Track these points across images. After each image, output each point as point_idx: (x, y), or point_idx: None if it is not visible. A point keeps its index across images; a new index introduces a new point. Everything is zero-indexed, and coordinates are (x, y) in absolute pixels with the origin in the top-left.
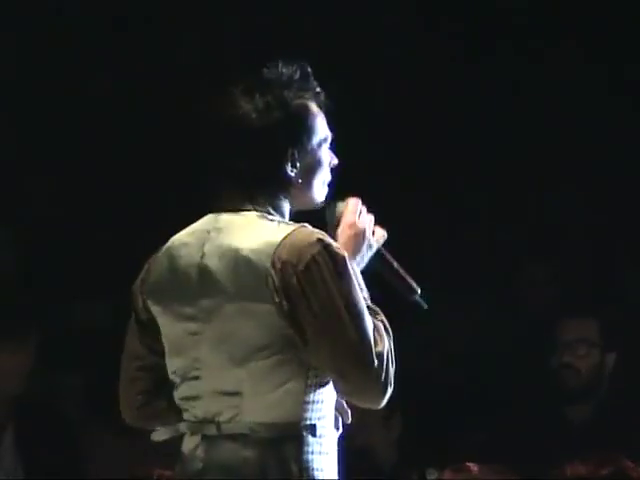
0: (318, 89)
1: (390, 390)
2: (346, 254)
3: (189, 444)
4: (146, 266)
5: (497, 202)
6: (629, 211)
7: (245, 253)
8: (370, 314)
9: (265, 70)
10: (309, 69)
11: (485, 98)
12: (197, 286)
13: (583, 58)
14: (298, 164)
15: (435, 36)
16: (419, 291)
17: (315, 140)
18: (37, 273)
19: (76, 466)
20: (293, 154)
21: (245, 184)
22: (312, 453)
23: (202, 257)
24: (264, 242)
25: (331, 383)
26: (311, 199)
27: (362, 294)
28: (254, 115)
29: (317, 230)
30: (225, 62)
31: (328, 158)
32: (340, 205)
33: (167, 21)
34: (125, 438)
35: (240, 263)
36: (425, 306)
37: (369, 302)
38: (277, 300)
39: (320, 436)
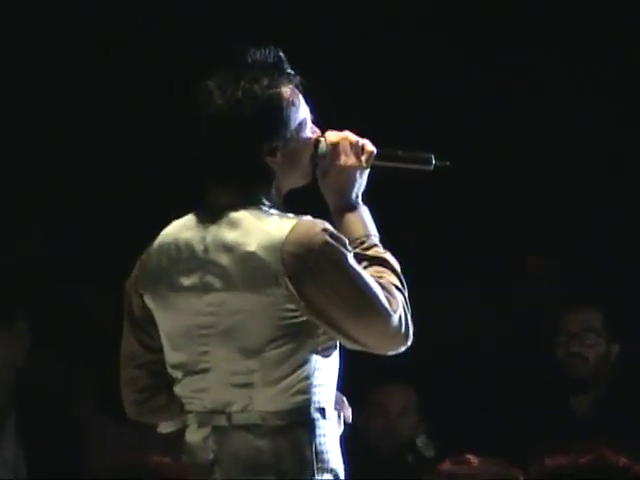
0: (291, 71)
1: (411, 335)
2: (344, 238)
3: (197, 435)
4: (138, 263)
5: (500, 195)
6: (630, 202)
7: (252, 249)
8: (379, 264)
9: (237, 63)
10: (281, 53)
11: (487, 92)
12: (202, 281)
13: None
14: (278, 153)
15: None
16: (432, 157)
17: (292, 126)
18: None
19: (78, 454)
20: (270, 145)
21: (230, 178)
22: (324, 436)
23: (206, 252)
24: (270, 237)
25: (335, 365)
26: (300, 179)
27: (371, 241)
28: (227, 111)
29: (318, 220)
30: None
31: (310, 141)
32: (322, 146)
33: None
34: (126, 425)
35: (248, 258)
36: (447, 163)
37: (379, 247)
38: (292, 293)
39: (329, 418)
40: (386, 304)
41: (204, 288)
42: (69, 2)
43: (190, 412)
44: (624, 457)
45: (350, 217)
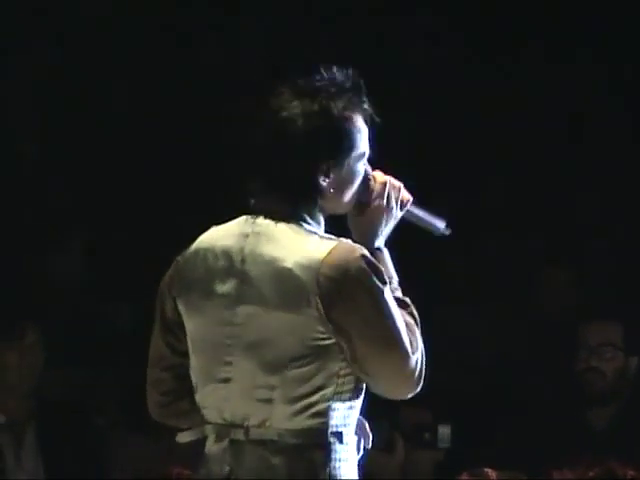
0: (367, 103)
1: (422, 382)
2: (382, 267)
3: (215, 447)
4: (174, 263)
5: (517, 206)
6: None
7: (289, 265)
8: (400, 306)
9: (317, 75)
10: (361, 81)
11: (499, 97)
12: (236, 291)
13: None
14: (332, 175)
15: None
16: (445, 226)
17: (353, 154)
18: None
19: (99, 466)
20: (328, 164)
21: (280, 188)
22: (339, 460)
23: (243, 263)
24: (308, 256)
25: (357, 390)
26: (340, 208)
27: (392, 285)
28: (299, 120)
29: (358, 245)
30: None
31: (362, 174)
32: (372, 183)
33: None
34: (147, 437)
35: (283, 274)
36: (449, 232)
37: (399, 291)
38: (322, 314)
39: (346, 443)
40: (407, 344)
41: (237, 299)
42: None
43: (209, 423)
44: (632, 470)
45: (376, 256)
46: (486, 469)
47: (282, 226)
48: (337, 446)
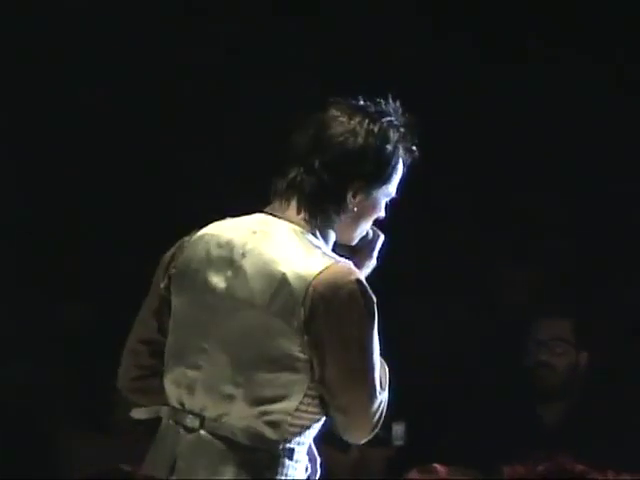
0: (415, 149)
1: (376, 430)
2: (374, 298)
3: (167, 431)
4: (180, 242)
5: (471, 204)
6: (601, 211)
7: (284, 270)
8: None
9: (383, 102)
10: (417, 125)
11: (465, 97)
12: (227, 283)
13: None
14: (358, 198)
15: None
16: None
17: (384, 188)
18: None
19: (48, 466)
20: (362, 187)
21: (305, 195)
22: (286, 475)
23: (242, 257)
24: (305, 267)
25: (319, 415)
26: (348, 237)
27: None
28: (354, 132)
29: (356, 270)
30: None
31: (380, 212)
32: (371, 235)
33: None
34: (105, 437)
35: (276, 278)
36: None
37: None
38: (301, 326)
39: (296, 461)
40: (377, 382)
41: (226, 290)
42: None
43: (167, 405)
44: (581, 465)
45: None
46: (435, 465)
47: (290, 232)
48: (286, 461)
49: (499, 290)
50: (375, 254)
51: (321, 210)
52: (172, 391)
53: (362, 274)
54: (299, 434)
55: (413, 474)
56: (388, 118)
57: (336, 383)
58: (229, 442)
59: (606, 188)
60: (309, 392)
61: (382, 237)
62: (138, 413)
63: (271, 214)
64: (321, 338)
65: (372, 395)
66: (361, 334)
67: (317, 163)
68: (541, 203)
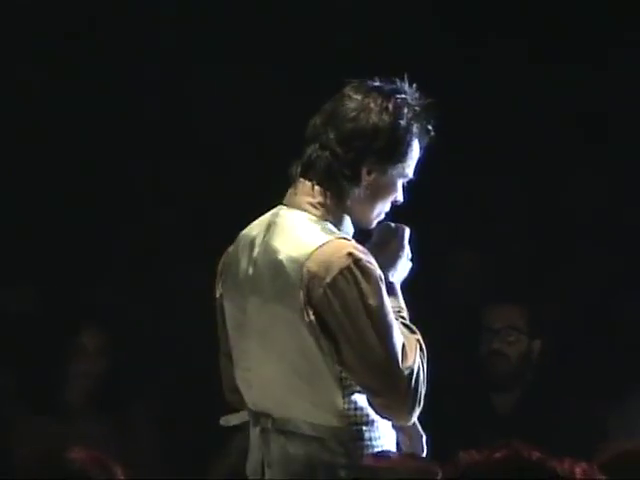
0: (431, 130)
1: (419, 407)
2: (378, 270)
3: (253, 433)
4: (226, 251)
5: (422, 189)
6: (554, 197)
7: (281, 257)
8: (412, 331)
9: (395, 82)
10: (435, 106)
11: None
12: (251, 279)
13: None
14: (373, 176)
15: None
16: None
17: (399, 167)
18: None
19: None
20: (375, 163)
21: (323, 168)
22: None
23: (260, 253)
24: (299, 249)
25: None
26: (365, 217)
27: (394, 312)
28: (368, 109)
29: (351, 243)
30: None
31: (396, 193)
32: (390, 228)
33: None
34: (51, 419)
35: (276, 266)
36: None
37: (406, 321)
38: (305, 312)
39: (371, 439)
40: (398, 353)
41: (249, 287)
42: None
43: (247, 409)
44: (538, 452)
45: (394, 286)
46: (388, 450)
47: (296, 216)
48: (357, 443)
49: (451, 276)
50: (406, 246)
51: (336, 185)
52: (244, 394)
53: (396, 271)
54: (361, 415)
55: (367, 460)
56: (402, 96)
57: (354, 364)
58: (296, 436)
59: (558, 172)
60: (344, 375)
61: (407, 229)
62: (227, 421)
63: (284, 204)
64: (327, 320)
65: (394, 368)
66: (367, 308)
67: (332, 138)
68: (492, 186)
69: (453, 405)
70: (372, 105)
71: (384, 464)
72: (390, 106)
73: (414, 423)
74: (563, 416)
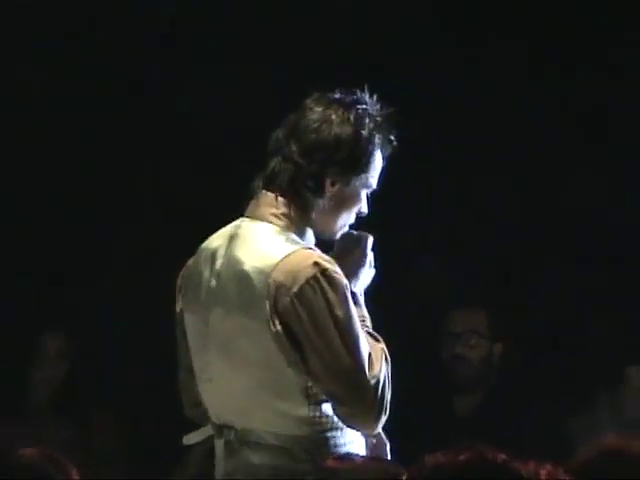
0: (394, 140)
1: (384, 416)
2: (344, 280)
3: (217, 446)
4: (186, 264)
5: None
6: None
7: (246, 268)
8: (375, 339)
9: (356, 94)
10: (396, 118)
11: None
12: (213, 292)
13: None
14: (336, 187)
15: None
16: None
17: (362, 177)
18: None
19: None
20: (339, 174)
21: (286, 181)
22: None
23: (222, 265)
24: (264, 259)
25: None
26: (329, 229)
27: (359, 321)
28: (329, 121)
29: (317, 253)
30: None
31: (361, 204)
32: (352, 236)
33: None
34: (21, 420)
35: (242, 277)
36: None
37: (370, 329)
38: (271, 322)
39: (335, 446)
40: (365, 362)
41: (213, 299)
42: None
43: (210, 422)
44: (503, 454)
45: (356, 296)
46: (351, 453)
47: (260, 228)
48: (323, 450)
49: (413, 280)
50: (368, 254)
51: (300, 197)
52: (207, 407)
53: (360, 280)
54: (326, 421)
55: (330, 462)
56: (363, 106)
57: (321, 373)
58: (261, 447)
59: (526, 174)
60: (310, 384)
61: (371, 237)
62: (188, 439)
63: (247, 216)
64: (293, 329)
65: (361, 377)
66: (334, 317)
67: (294, 150)
68: (454, 190)
69: (417, 409)
70: (333, 116)
71: (346, 465)
72: (351, 117)
73: (380, 434)
74: (526, 418)
